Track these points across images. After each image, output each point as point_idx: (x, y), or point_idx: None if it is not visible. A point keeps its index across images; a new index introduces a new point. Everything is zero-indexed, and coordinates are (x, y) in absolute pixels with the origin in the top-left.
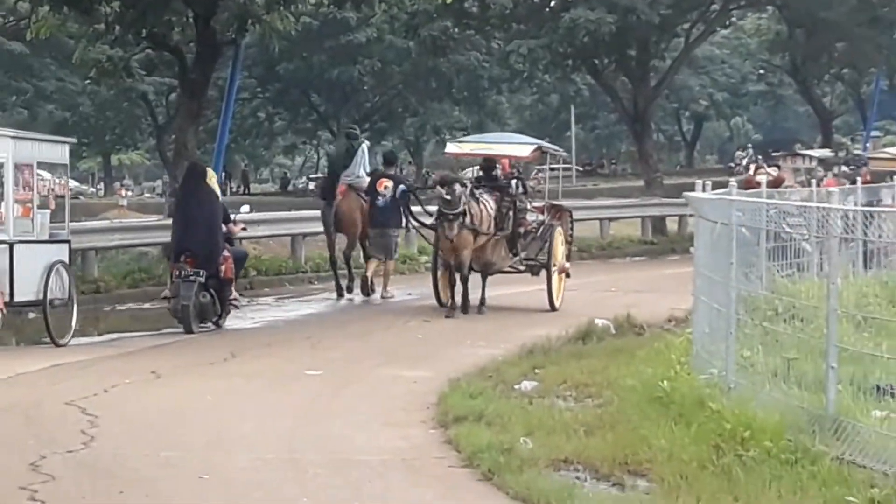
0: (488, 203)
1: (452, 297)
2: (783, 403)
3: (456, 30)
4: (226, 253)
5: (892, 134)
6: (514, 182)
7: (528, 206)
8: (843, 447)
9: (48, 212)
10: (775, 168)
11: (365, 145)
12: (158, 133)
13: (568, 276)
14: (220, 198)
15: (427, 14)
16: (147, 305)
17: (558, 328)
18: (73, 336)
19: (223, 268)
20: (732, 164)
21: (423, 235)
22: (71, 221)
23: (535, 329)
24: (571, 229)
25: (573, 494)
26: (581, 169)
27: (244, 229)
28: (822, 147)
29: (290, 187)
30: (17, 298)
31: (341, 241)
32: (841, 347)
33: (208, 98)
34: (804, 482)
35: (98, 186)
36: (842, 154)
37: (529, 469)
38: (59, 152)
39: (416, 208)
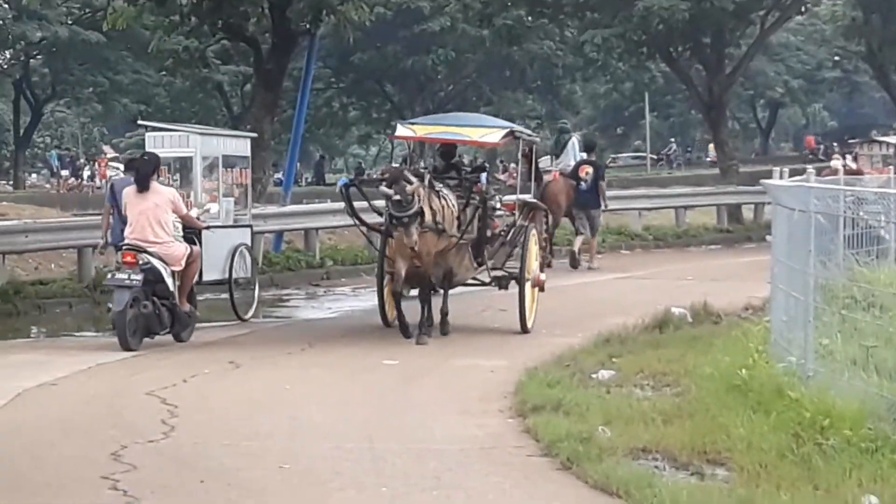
0: (449, 199)
1: (422, 309)
2: (863, 391)
3: (530, 18)
4: None
5: None
6: (483, 175)
7: (498, 205)
8: None
9: (232, 199)
10: (845, 158)
11: (575, 137)
12: (233, 124)
13: (542, 289)
14: None
15: (501, 2)
16: (224, 296)
17: (635, 317)
18: (255, 312)
19: None
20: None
21: (367, 238)
22: None
23: (611, 318)
24: (547, 230)
25: (652, 483)
26: (655, 157)
27: None
28: None
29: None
30: (205, 278)
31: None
32: None
33: (283, 89)
34: (885, 471)
35: (175, 178)
36: None
37: (608, 458)
38: (242, 146)
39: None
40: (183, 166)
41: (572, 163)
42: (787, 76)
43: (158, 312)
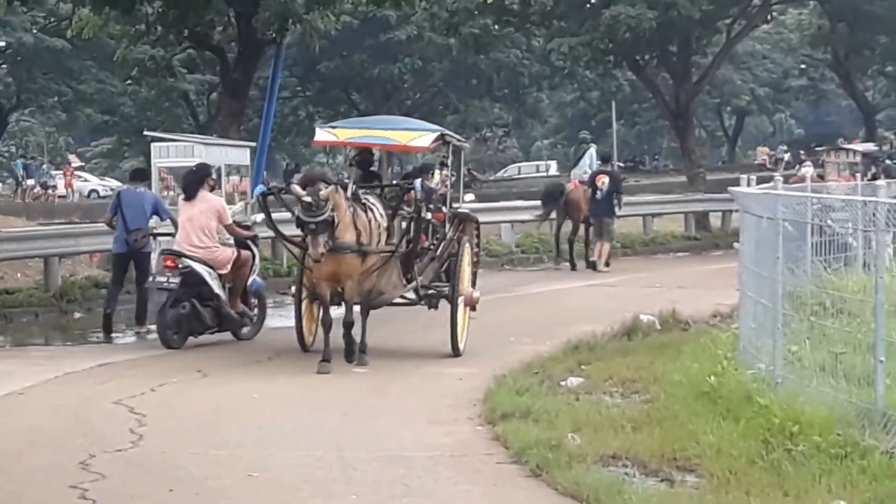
0: (376, 211)
1: (326, 339)
2: (832, 398)
3: (496, 27)
4: None
5: None
6: (417, 182)
7: (429, 215)
8: (892, 441)
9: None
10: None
11: (592, 149)
12: (199, 132)
13: (473, 308)
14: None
15: (468, 12)
16: None
17: (604, 324)
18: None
19: None
20: (764, 160)
21: (289, 250)
22: None
23: (579, 325)
24: (478, 245)
25: (622, 490)
26: (623, 165)
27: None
28: (865, 141)
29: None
30: None
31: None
32: (889, 341)
33: (250, 97)
34: (854, 476)
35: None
36: (885, 148)
37: (578, 465)
38: (242, 155)
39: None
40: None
41: (588, 171)
42: (754, 84)
43: (199, 313)
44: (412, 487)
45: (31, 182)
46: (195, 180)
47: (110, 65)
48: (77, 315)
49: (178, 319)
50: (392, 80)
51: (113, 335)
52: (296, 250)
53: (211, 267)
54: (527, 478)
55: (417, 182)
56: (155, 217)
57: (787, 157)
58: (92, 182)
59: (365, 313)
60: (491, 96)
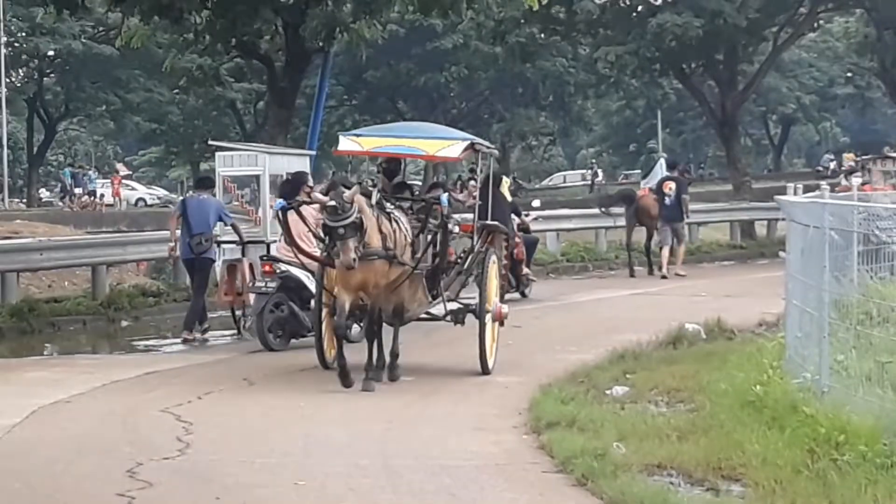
0: (401, 222)
1: (342, 359)
2: (878, 407)
3: (542, 35)
4: (517, 240)
5: None
6: (444, 195)
7: (456, 228)
8: None
9: None
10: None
11: (663, 158)
12: (247, 141)
13: (502, 323)
14: (510, 199)
15: (514, 20)
16: (223, 313)
17: (648, 333)
18: None
19: (515, 251)
20: (820, 168)
21: (306, 265)
22: (160, 230)
23: (625, 334)
24: (507, 256)
25: (667, 500)
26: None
27: (535, 220)
28: None
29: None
30: None
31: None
32: None
33: (297, 106)
34: None
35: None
36: None
37: (623, 474)
38: (303, 163)
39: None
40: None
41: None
42: (800, 92)
43: (297, 315)
44: (457, 496)
45: (78, 191)
46: (293, 188)
47: (158, 74)
48: (124, 323)
49: (278, 322)
50: (438, 89)
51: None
52: (316, 265)
53: (310, 271)
54: (572, 487)
55: (444, 196)
56: (219, 224)
57: (832, 165)
58: (139, 191)
59: (395, 329)
60: (536, 105)
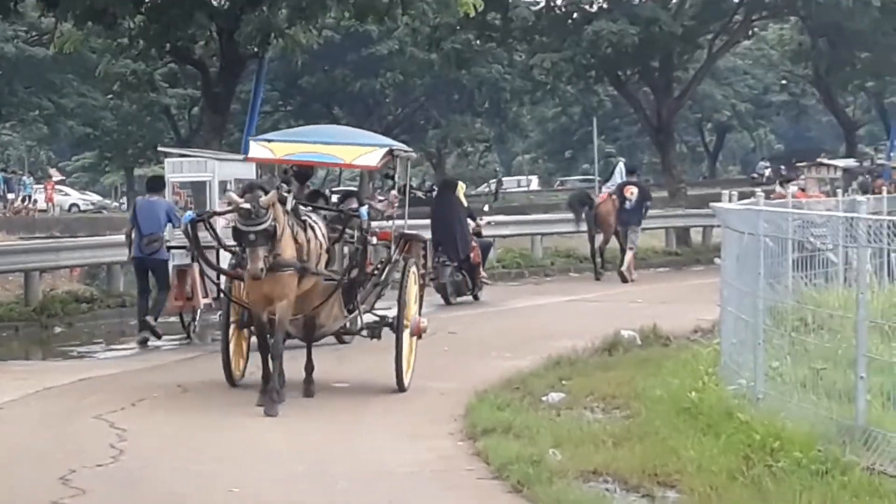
0: (317, 230)
1: (276, 370)
2: (813, 414)
3: (478, 42)
4: (474, 243)
5: None
6: (363, 209)
7: (374, 240)
8: (873, 457)
9: None
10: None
11: (621, 163)
12: (181, 147)
13: (420, 336)
14: (465, 204)
15: (449, 27)
16: (172, 319)
17: (584, 339)
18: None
19: (472, 255)
20: (755, 175)
21: (210, 277)
22: (94, 235)
23: (560, 340)
24: (425, 266)
25: None
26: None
27: (488, 224)
28: (846, 157)
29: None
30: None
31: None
32: (870, 357)
33: (231, 112)
34: (835, 493)
35: (121, 201)
36: (866, 163)
37: (559, 480)
38: (249, 169)
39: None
40: (198, 190)
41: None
42: (735, 100)
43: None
44: (394, 503)
45: (11, 196)
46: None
47: (92, 79)
48: (57, 329)
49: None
50: (374, 95)
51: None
52: (223, 275)
53: None
54: (508, 493)
55: (364, 210)
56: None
57: (767, 172)
58: (73, 196)
59: (308, 346)
60: (472, 111)
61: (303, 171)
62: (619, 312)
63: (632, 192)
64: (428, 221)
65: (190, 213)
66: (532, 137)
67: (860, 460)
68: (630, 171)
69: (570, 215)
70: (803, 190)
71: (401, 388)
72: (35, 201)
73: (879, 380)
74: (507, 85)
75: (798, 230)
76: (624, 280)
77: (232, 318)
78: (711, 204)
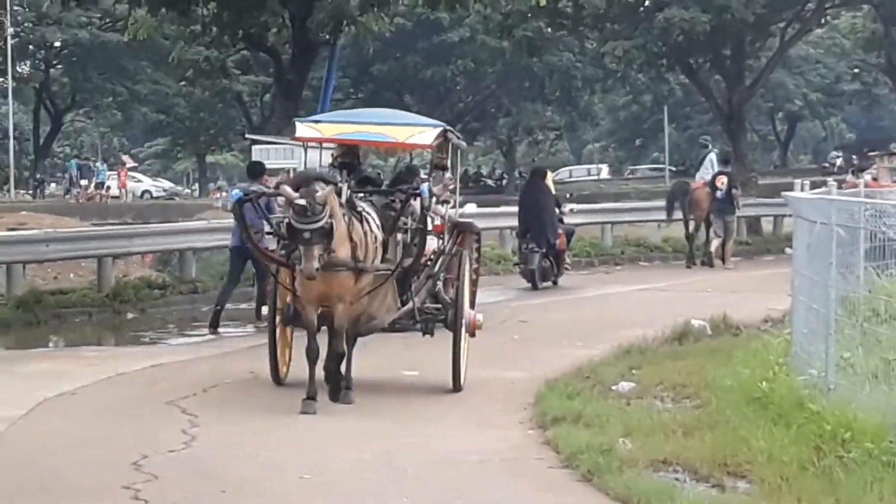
0: (372, 223)
1: (312, 372)
2: (884, 405)
3: (549, 30)
4: (560, 230)
5: None
6: (424, 186)
7: (431, 226)
8: None
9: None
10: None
11: (713, 153)
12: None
13: (473, 334)
14: (554, 191)
15: (521, 14)
16: (244, 306)
17: (654, 329)
18: None
19: (558, 241)
20: (826, 164)
21: (266, 268)
22: (166, 222)
23: (631, 329)
24: (478, 259)
25: (673, 496)
26: (674, 169)
27: (571, 211)
28: None
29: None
30: None
31: None
32: None
33: (303, 98)
34: None
35: (193, 187)
36: None
37: (629, 470)
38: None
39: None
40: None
41: (711, 173)
42: (807, 89)
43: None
44: (462, 491)
45: (84, 182)
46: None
47: (165, 65)
48: (130, 316)
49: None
50: (445, 83)
51: (220, 330)
52: (274, 267)
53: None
54: (577, 482)
55: (425, 186)
56: None
57: (839, 161)
58: (145, 183)
59: (352, 342)
60: (543, 99)
61: (348, 161)
62: (690, 301)
63: (722, 182)
64: (492, 210)
65: (237, 192)
66: (602, 126)
67: None
68: (724, 161)
69: (646, 204)
70: (875, 179)
71: (457, 388)
72: (108, 188)
73: None
74: (578, 73)
75: (871, 219)
76: (710, 264)
77: (278, 309)
78: (783, 193)
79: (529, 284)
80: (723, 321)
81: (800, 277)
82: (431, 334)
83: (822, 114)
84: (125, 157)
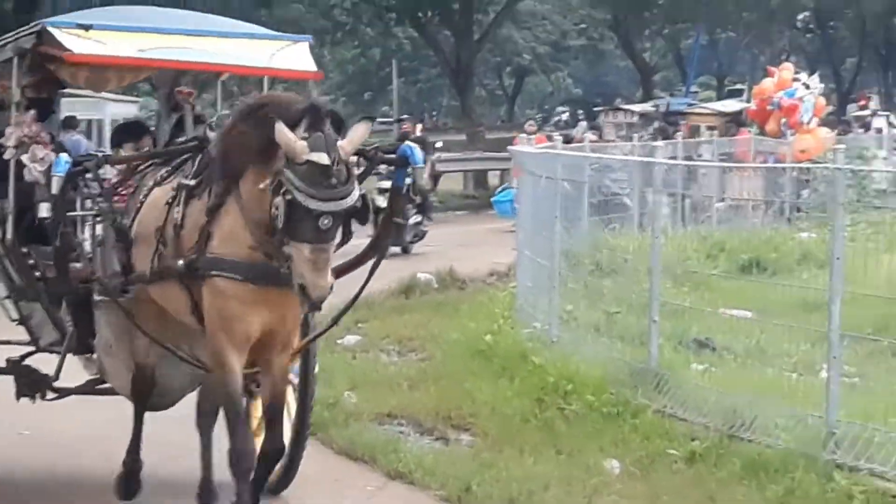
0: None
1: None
2: (606, 357)
3: None
4: None
5: (710, 89)
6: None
7: None
8: (664, 400)
9: None
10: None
11: None
12: None
13: None
14: None
15: None
16: None
17: (380, 282)
18: None
19: None
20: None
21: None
22: None
23: (356, 283)
24: None
25: (397, 448)
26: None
27: None
28: (642, 102)
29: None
30: None
31: None
32: (663, 301)
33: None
34: (626, 435)
35: None
36: (661, 109)
37: (354, 423)
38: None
39: None
40: None
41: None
42: (535, 43)
43: None
44: (190, 445)
45: None
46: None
47: None
48: None
49: None
50: None
51: None
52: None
53: None
54: None
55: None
56: None
57: (565, 116)
58: None
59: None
60: None
61: (46, 98)
62: (416, 255)
63: None
64: None
65: (64, 157)
66: (332, 79)
67: (651, 403)
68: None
69: None
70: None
71: None
72: None
73: (670, 324)
74: (308, 25)
75: (595, 174)
76: None
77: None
78: (509, 147)
79: None
80: (449, 275)
81: (524, 231)
82: None
83: (549, 67)
84: None
